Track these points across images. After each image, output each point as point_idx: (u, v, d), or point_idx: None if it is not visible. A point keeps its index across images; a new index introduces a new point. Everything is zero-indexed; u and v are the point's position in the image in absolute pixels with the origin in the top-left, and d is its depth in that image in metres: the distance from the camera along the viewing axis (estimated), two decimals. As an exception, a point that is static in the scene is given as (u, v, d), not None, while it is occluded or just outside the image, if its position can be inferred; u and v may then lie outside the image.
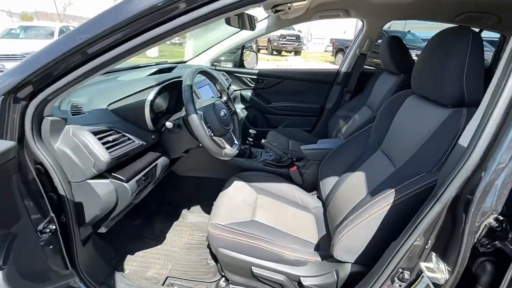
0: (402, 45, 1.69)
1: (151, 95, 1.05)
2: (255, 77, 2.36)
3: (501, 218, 0.55)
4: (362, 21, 2.02)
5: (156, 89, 1.08)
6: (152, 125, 1.07)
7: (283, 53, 12.25)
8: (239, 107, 2.44)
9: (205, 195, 1.66)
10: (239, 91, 2.41)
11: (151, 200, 1.57)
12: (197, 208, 1.69)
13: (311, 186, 1.55)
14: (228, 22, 1.36)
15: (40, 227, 0.73)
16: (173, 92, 1.32)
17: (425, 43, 0.98)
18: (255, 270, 1.03)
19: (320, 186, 1.34)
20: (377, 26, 1.98)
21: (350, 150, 1.30)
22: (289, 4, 1.30)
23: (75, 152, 0.81)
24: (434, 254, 0.67)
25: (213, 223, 1.10)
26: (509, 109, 0.54)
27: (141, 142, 1.00)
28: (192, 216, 1.64)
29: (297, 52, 12.26)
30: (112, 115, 0.99)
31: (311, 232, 1.21)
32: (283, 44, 11.73)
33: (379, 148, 1.17)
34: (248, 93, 2.41)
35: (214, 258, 1.27)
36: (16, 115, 0.68)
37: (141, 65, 1.77)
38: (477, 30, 1.98)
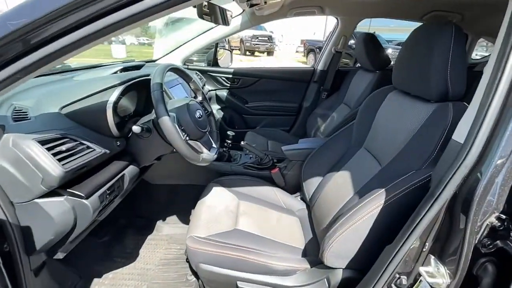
0: (377, 42, 1.70)
1: (113, 96, 0.91)
2: (231, 76, 2.26)
3: (504, 216, 0.52)
4: (336, 18, 2.02)
5: (120, 88, 0.94)
6: (116, 131, 0.93)
7: (256, 53, 12.25)
8: (214, 108, 2.33)
9: (182, 204, 1.54)
10: (214, 91, 2.30)
11: (120, 214, 1.40)
12: (173, 219, 1.55)
13: (294, 188, 1.50)
14: (200, 16, 1.26)
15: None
16: (142, 92, 1.18)
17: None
18: (241, 285, 0.94)
19: (304, 187, 1.30)
20: (351, 24, 1.99)
21: (333, 149, 1.27)
22: (265, -2, 1.23)
23: (17, 167, 0.66)
24: (432, 257, 0.63)
25: (192, 236, 0.99)
26: (506, 103, 0.52)
27: (103, 151, 0.86)
28: (167, 228, 1.51)
29: (270, 53, 12.34)
30: (66, 120, 0.84)
31: (297, 236, 1.15)
32: (256, 44, 11.73)
33: (363, 146, 1.15)
34: (223, 93, 2.31)
35: (195, 273, 1.16)
36: None
37: (103, 64, 1.59)
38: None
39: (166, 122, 0.84)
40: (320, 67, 2.22)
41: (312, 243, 1.12)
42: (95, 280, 1.19)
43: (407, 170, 0.80)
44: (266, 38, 11.80)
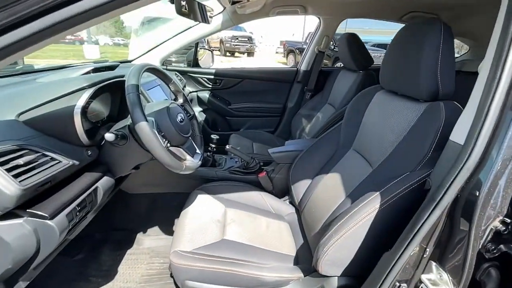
0: (360, 42, 1.70)
1: (82, 100, 0.81)
2: (212, 77, 2.19)
3: (508, 220, 0.50)
4: (319, 18, 2.01)
5: (89, 91, 0.84)
6: (87, 139, 0.82)
7: (236, 54, 12.18)
8: (196, 110, 2.24)
9: (164, 213, 1.44)
10: (195, 93, 2.21)
11: (95, 228, 1.28)
12: (155, 230, 1.44)
13: (282, 191, 1.46)
14: (179, 12, 1.18)
15: None
16: (116, 95, 1.08)
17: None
18: (232, 301, 0.88)
19: (292, 191, 1.26)
20: (333, 24, 1.99)
21: (321, 150, 1.24)
22: (247, -6, 1.17)
23: (-38, 186, 0.55)
24: (433, 263, 0.60)
25: (176, 251, 0.92)
26: (505, 103, 0.50)
27: (71, 162, 0.75)
28: (149, 240, 1.40)
29: (250, 53, 12.32)
30: (25, 128, 0.72)
31: (288, 243, 1.11)
32: (236, 45, 11.67)
33: (352, 147, 1.13)
34: (205, 95, 2.23)
35: (180, 289, 1.08)
36: None
37: (72, 65, 1.46)
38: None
39: (144, 128, 0.76)
40: (303, 67, 2.20)
41: (304, 249, 1.08)
42: (68, 304, 1.07)
43: (401, 171, 0.78)
44: (246, 39, 11.77)
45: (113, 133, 0.82)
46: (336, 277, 0.84)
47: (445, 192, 0.55)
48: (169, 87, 1.12)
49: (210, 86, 2.21)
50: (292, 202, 1.34)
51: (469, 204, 0.53)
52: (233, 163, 1.53)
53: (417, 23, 0.84)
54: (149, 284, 1.19)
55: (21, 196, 0.60)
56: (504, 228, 0.50)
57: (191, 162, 0.97)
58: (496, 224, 0.51)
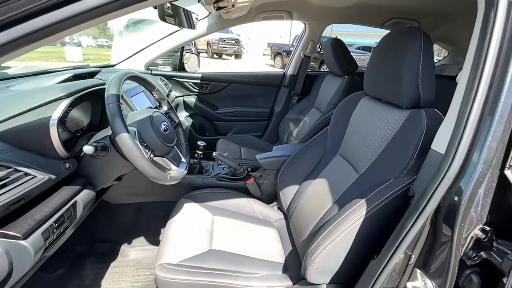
0: (344, 47, 1.73)
1: (58, 111, 0.77)
2: (199, 81, 2.16)
3: (488, 228, 0.51)
4: (304, 23, 2.03)
5: (66, 101, 0.80)
6: (64, 151, 0.79)
7: (224, 56, 12.15)
8: (183, 115, 2.21)
9: (150, 223, 1.40)
10: (181, 98, 2.18)
11: (76, 241, 1.23)
12: (140, 241, 1.40)
13: (270, 197, 1.45)
14: (162, 18, 1.15)
15: None
16: (97, 103, 1.04)
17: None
18: (220, 314, 0.86)
19: (280, 197, 1.26)
20: (318, 29, 2.02)
21: (308, 156, 1.24)
22: (232, 1, 1.17)
23: None
24: (418, 271, 0.61)
25: (161, 264, 0.89)
26: (483, 112, 0.51)
27: (47, 176, 0.71)
28: (134, 252, 1.36)
29: (237, 56, 12.32)
30: (-5, 142, 0.68)
31: (276, 249, 1.10)
32: (223, 47, 11.64)
33: (338, 152, 1.14)
34: (192, 99, 2.20)
35: (167, 303, 1.05)
36: None
37: (50, 70, 1.40)
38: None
39: (125, 140, 0.73)
40: (290, 71, 2.22)
41: (292, 256, 1.08)
42: (46, 324, 1.02)
43: (385, 178, 0.79)
44: (234, 41, 11.77)
45: (92, 145, 0.79)
46: (325, 285, 0.84)
47: (427, 201, 0.56)
48: (152, 95, 1.09)
49: (197, 90, 2.19)
50: (280, 208, 1.34)
51: (450, 213, 0.54)
52: (220, 170, 1.51)
53: (399, 32, 0.86)
54: (135, 298, 1.15)
55: (-10, 217, 0.56)
56: (484, 235, 0.52)
57: (176, 172, 0.95)
58: (477, 232, 0.52)
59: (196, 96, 2.20)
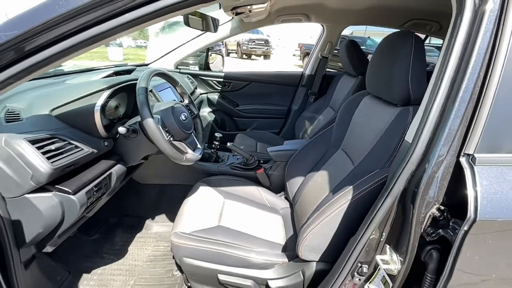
0: (359, 48, 1.78)
1: (101, 99, 0.97)
2: (222, 80, 2.33)
3: (443, 208, 0.59)
4: (322, 25, 2.10)
5: (107, 92, 1.00)
6: (104, 132, 0.99)
7: (253, 56, 12.36)
8: (206, 111, 2.39)
9: (170, 203, 1.59)
10: (205, 95, 2.37)
11: (110, 213, 1.46)
12: (161, 218, 1.60)
13: (278, 187, 1.55)
14: (187, 23, 1.33)
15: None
16: (131, 96, 1.24)
17: None
18: (222, 277, 1.00)
19: (287, 187, 1.35)
20: (336, 30, 2.07)
21: (314, 149, 1.33)
22: (249, 7, 1.30)
23: (9, 164, 0.71)
24: (388, 246, 0.69)
25: (176, 232, 1.05)
26: (445, 106, 0.59)
27: (91, 150, 0.91)
28: (156, 226, 1.56)
29: (266, 56, 12.45)
30: (56, 121, 0.90)
31: (279, 233, 1.20)
32: (253, 48, 11.85)
33: (340, 147, 1.21)
34: (215, 96, 2.38)
35: (179, 267, 1.21)
36: None
37: (95, 68, 1.65)
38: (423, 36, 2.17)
39: (150, 124, 0.90)
40: (308, 71, 2.30)
41: (292, 239, 1.17)
42: (84, 275, 1.24)
43: (373, 168, 0.86)
44: (263, 42, 11.93)
45: (125, 127, 0.98)
46: (315, 262, 0.94)
47: (394, 183, 0.64)
48: (176, 89, 1.27)
49: (220, 88, 2.36)
50: (287, 198, 1.44)
51: (413, 194, 0.62)
52: (234, 160, 1.65)
53: (394, 35, 0.93)
54: (154, 263, 1.34)
55: (51, 174, 0.75)
56: (440, 214, 0.59)
57: (191, 155, 1.11)
58: (434, 211, 0.60)
59: (219, 94, 2.38)
